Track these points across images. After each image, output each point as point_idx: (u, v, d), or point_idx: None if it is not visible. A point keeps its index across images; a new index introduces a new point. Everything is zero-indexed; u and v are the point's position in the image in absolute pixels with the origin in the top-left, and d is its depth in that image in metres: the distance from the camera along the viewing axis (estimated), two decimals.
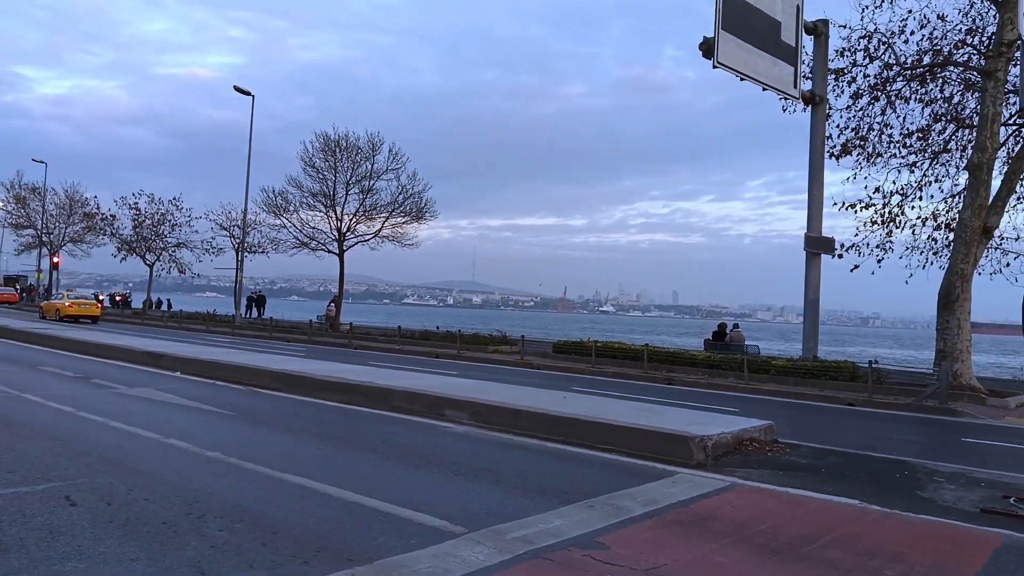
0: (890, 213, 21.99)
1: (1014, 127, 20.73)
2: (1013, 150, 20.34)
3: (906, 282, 21.95)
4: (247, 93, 40.47)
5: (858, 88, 22.04)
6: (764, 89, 21.05)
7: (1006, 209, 19.60)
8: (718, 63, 19.46)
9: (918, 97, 21.51)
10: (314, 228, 39.60)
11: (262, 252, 44.82)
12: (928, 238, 22.04)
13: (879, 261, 22.02)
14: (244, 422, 10.65)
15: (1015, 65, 18.49)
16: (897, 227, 21.89)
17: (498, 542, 5.46)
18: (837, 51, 22.53)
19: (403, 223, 38.76)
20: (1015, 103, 19.47)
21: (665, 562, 5.36)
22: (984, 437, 13.18)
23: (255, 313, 48.97)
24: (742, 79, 20.23)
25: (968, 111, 21.16)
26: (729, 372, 20.52)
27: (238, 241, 44.75)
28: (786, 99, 21.93)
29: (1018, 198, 20.54)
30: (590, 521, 6.23)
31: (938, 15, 20.82)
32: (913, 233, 22.17)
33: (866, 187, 22.06)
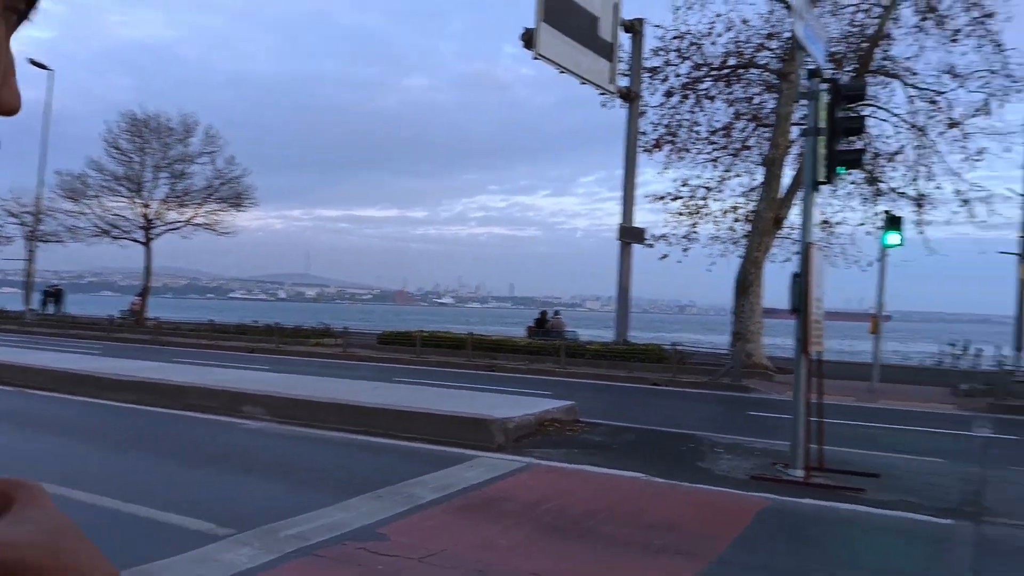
0: (696, 205, 23.51)
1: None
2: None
3: (709, 270, 23.58)
4: (45, 68, 36.56)
5: (671, 87, 23.29)
6: (583, 83, 21.74)
7: (794, 202, 21.45)
8: (539, 54, 19.86)
9: (724, 96, 23.09)
10: (117, 215, 36.49)
11: (58, 241, 40.74)
12: (729, 228, 23.80)
13: (685, 251, 23.50)
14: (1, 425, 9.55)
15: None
16: (702, 218, 23.47)
17: (267, 541, 5.18)
18: (653, 50, 23.69)
19: (219, 210, 36.59)
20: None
21: (444, 548, 5.32)
22: (768, 410, 14.37)
23: (52, 308, 44.51)
24: (561, 71, 20.77)
25: (767, 110, 22.93)
26: (548, 357, 21.11)
27: (29, 229, 40.42)
28: (604, 94, 22.79)
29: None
30: (375, 512, 6.08)
31: (742, 19, 22.43)
32: (716, 224, 23.84)
33: (674, 180, 23.44)
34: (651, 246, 23.54)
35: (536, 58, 19.63)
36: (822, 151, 7.90)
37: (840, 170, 7.99)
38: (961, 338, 34.77)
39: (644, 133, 23.73)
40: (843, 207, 22.59)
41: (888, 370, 23.66)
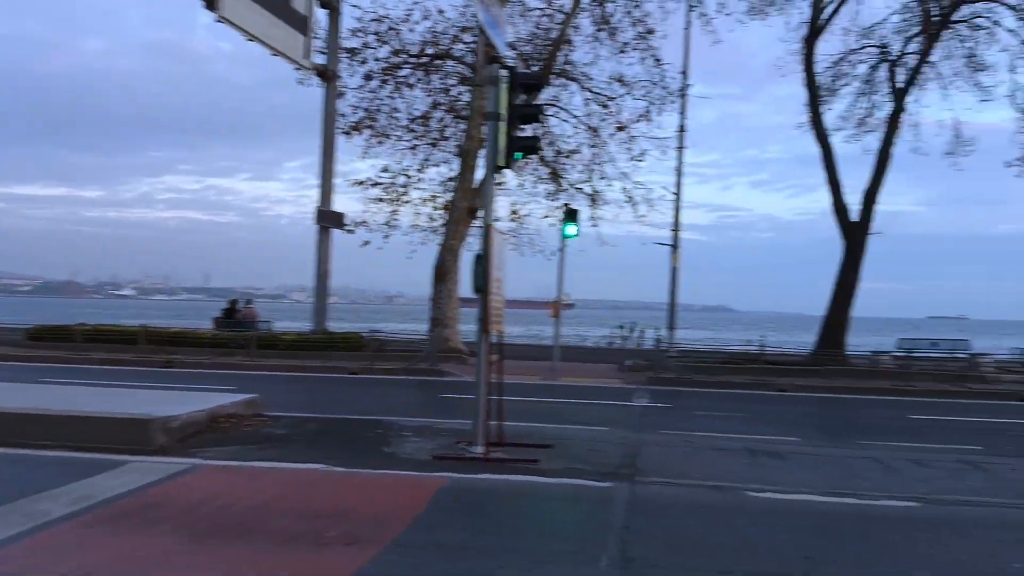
0: (397, 192, 23.54)
1: None
2: None
3: (409, 257, 23.76)
4: None
5: (370, 70, 22.96)
6: (274, 54, 20.52)
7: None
8: (222, 17, 18.31)
9: (423, 86, 23.33)
10: None
11: None
12: (428, 217, 24.21)
13: (386, 237, 23.46)
14: None
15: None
16: (403, 206, 23.58)
17: None
18: (351, 31, 23.16)
19: None
20: None
21: (67, 570, 4.47)
22: (460, 392, 14.76)
23: None
24: (249, 39, 19.40)
25: (463, 103, 23.60)
26: (238, 350, 19.75)
27: None
28: (299, 69, 21.78)
29: (497, 184, 23.67)
30: None
31: (439, 9, 22.81)
32: (416, 213, 24.10)
33: (373, 166, 23.29)
34: (351, 232, 23.11)
35: (219, 21, 18.11)
36: (502, 137, 8.10)
37: (517, 156, 8.28)
38: (628, 322, 39.42)
39: (344, 115, 23.19)
40: (530, 199, 24.10)
41: (569, 351, 25.79)
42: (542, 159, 22.88)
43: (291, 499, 6.38)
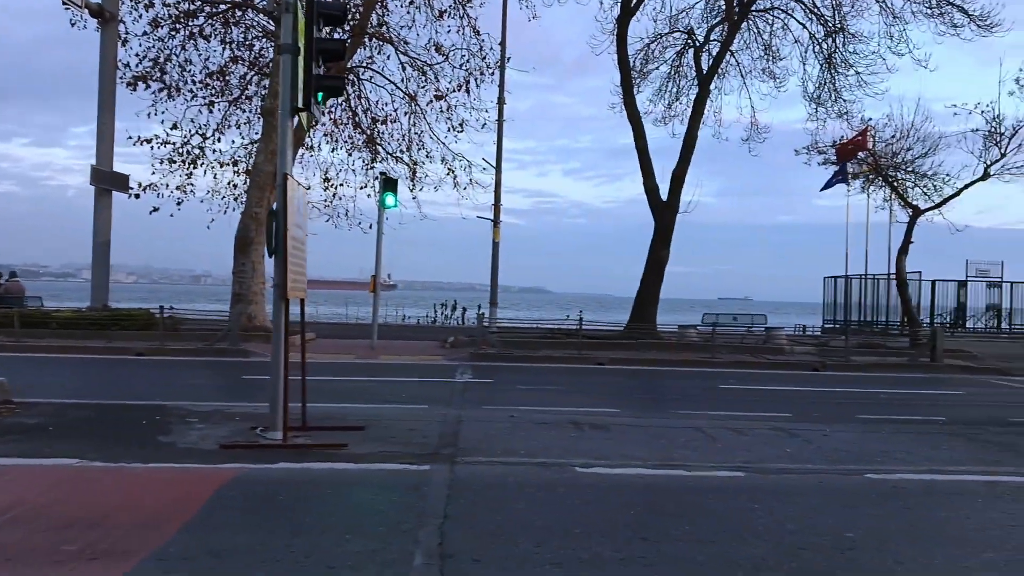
0: (189, 153, 21.29)
1: None
2: None
3: (208, 227, 21.63)
4: None
5: (157, 15, 20.46)
6: None
7: (298, 160, 20.83)
8: None
9: (221, 37, 21.15)
10: None
11: None
12: (229, 183, 22.15)
13: (179, 204, 21.19)
14: None
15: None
16: (198, 168, 21.36)
17: None
18: None
19: None
20: None
21: None
22: (264, 373, 13.39)
23: None
24: None
25: (268, 59, 21.69)
26: None
27: None
28: (68, 7, 18.95)
29: (309, 148, 22.08)
30: None
31: None
32: (215, 177, 21.96)
33: (163, 123, 20.82)
34: (136, 196, 20.63)
35: None
36: (301, 74, 7.04)
37: (319, 97, 7.24)
38: (450, 300, 39.01)
39: (128, 66, 20.56)
40: (346, 169, 22.74)
41: (391, 329, 24.91)
42: (357, 124, 21.61)
43: (31, 502, 5.08)
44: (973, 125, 22.50)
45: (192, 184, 21.47)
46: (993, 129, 21.45)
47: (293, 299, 7.41)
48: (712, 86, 22.54)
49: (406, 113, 21.53)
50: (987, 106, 21.50)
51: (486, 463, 6.57)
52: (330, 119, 21.71)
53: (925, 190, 23.47)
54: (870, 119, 23.72)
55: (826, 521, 5.19)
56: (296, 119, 7.78)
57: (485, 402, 10.49)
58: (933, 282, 31.74)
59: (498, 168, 20.40)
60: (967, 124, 28.39)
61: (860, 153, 27.39)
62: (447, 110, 21.03)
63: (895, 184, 23.68)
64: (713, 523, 5.05)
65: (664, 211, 21.36)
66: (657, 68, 24.19)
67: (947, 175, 22.79)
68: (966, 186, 22.27)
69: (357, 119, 21.86)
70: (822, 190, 37.10)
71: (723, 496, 5.76)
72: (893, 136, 23.25)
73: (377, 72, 21.60)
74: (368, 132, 21.93)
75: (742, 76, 24.19)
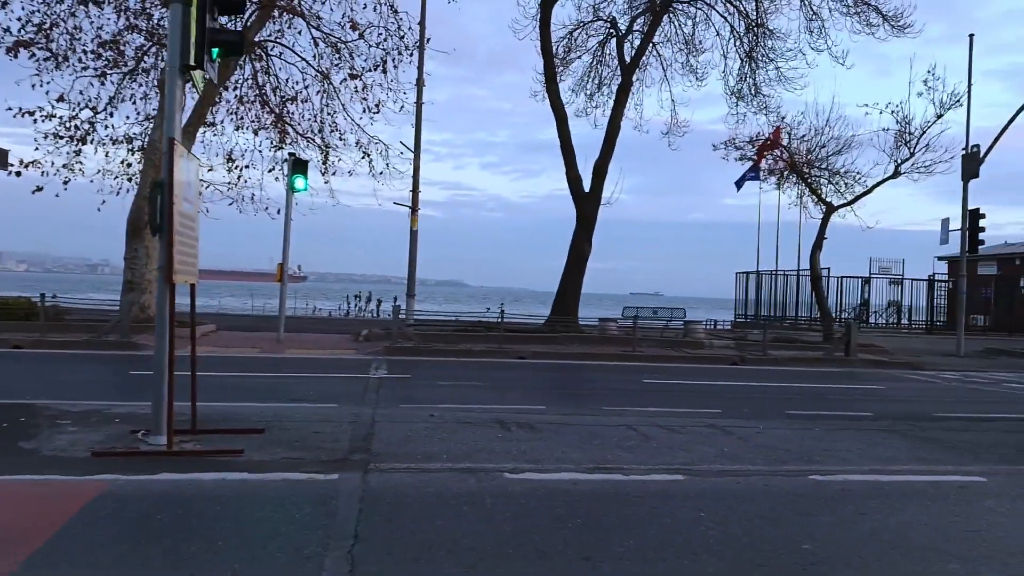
0: (78, 128, 19.55)
1: None
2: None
3: (98, 209, 19.90)
4: None
5: None
6: None
7: (199, 138, 19.38)
8: None
9: (116, 5, 19.49)
10: None
11: None
12: (123, 163, 20.48)
13: (66, 183, 19.42)
14: None
15: None
16: (87, 146, 19.64)
17: None
18: None
19: None
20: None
21: None
22: None
23: None
24: None
25: (167, 29, 20.13)
26: None
27: None
28: None
29: (211, 125, 20.60)
30: None
31: None
32: (107, 155, 20.25)
33: (48, 93, 19.01)
34: (18, 174, 18.80)
35: None
36: (193, 26, 6.15)
37: (215, 53, 6.36)
38: (364, 292, 37.84)
39: (8, 30, 18.68)
40: (251, 148, 21.37)
41: (300, 322, 23.75)
42: (265, 103, 20.33)
43: None
44: (885, 124, 23.07)
45: (81, 163, 19.76)
46: (903, 129, 22.00)
47: (183, 285, 6.52)
48: (634, 77, 22.31)
49: (318, 92, 20.40)
50: (897, 106, 22.02)
51: (404, 470, 5.87)
52: (235, 96, 20.39)
53: (838, 187, 23.93)
54: (783, 117, 24.04)
55: (780, 531, 4.74)
56: (189, 83, 6.88)
57: (402, 399, 9.76)
58: (840, 278, 32.77)
59: (417, 153, 19.58)
60: (879, 124, 29.21)
61: (775, 151, 28.08)
62: (362, 90, 20.01)
63: (809, 181, 24.06)
64: (660, 536, 4.53)
65: (586, 202, 20.98)
66: (579, 57, 23.83)
67: (859, 173, 23.27)
68: (877, 184, 22.79)
69: (265, 97, 20.57)
70: (737, 186, 37.86)
71: (666, 503, 5.26)
72: (806, 135, 23.60)
73: (287, 48, 20.40)
74: (277, 111, 20.68)
75: (663, 69, 24.06)
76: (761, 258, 32.93)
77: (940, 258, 36.93)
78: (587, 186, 21.10)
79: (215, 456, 6.00)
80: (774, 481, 6.06)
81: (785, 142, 24.08)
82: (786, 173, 25.57)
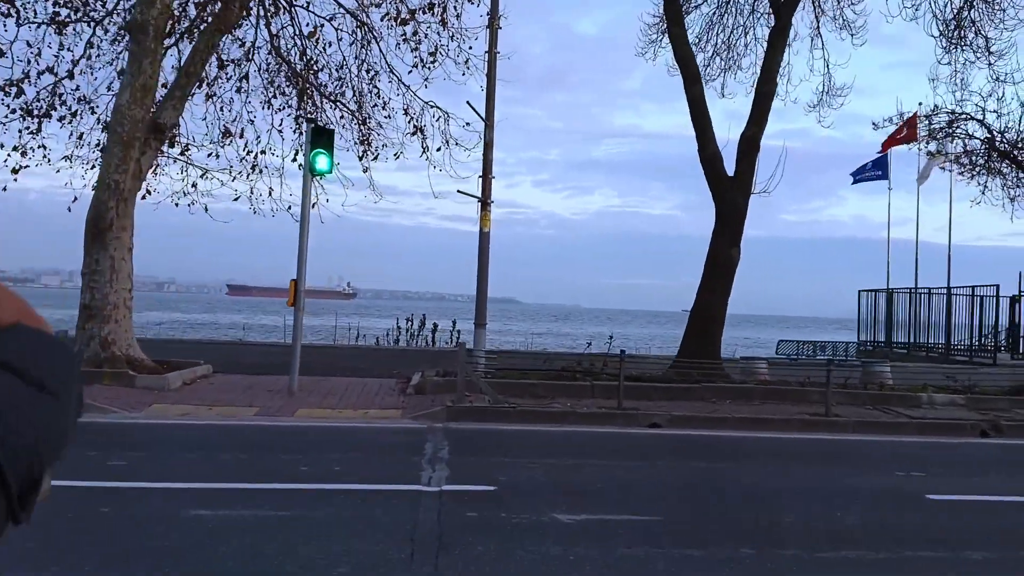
0: (42, 100, 15.10)
1: None
2: (207, 15, 15.06)
3: (69, 209, 15.30)
4: None
5: None
6: None
7: (189, 96, 14.50)
8: None
9: None
10: None
11: None
12: (98, 145, 15.94)
13: (15, 172, 14.97)
14: None
15: None
16: (46, 119, 15.15)
17: None
18: None
19: None
20: None
21: None
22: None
23: None
24: None
25: None
26: None
27: None
28: None
29: (205, 83, 15.70)
30: None
31: None
32: (74, 131, 15.75)
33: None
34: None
35: None
36: None
37: None
38: (418, 314, 32.84)
39: None
40: (271, 129, 16.51)
41: (335, 354, 18.95)
42: (277, 52, 15.48)
43: None
44: None
45: (45, 148, 15.34)
46: None
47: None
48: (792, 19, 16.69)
49: (352, 41, 15.48)
50: None
51: None
52: (240, 48, 15.63)
53: None
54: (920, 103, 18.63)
55: None
56: None
57: (487, 564, 4.53)
58: (980, 298, 26.29)
59: (489, 123, 14.41)
60: None
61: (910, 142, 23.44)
62: (412, 37, 15.02)
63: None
64: None
65: (731, 190, 15.32)
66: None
67: None
68: None
69: (282, 55, 15.75)
70: (854, 182, 31.87)
71: None
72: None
73: None
74: (301, 75, 15.82)
75: (816, 17, 18.38)
76: (872, 275, 27.15)
77: None
78: (731, 169, 15.47)
79: None
80: None
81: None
82: (979, 159, 19.62)
